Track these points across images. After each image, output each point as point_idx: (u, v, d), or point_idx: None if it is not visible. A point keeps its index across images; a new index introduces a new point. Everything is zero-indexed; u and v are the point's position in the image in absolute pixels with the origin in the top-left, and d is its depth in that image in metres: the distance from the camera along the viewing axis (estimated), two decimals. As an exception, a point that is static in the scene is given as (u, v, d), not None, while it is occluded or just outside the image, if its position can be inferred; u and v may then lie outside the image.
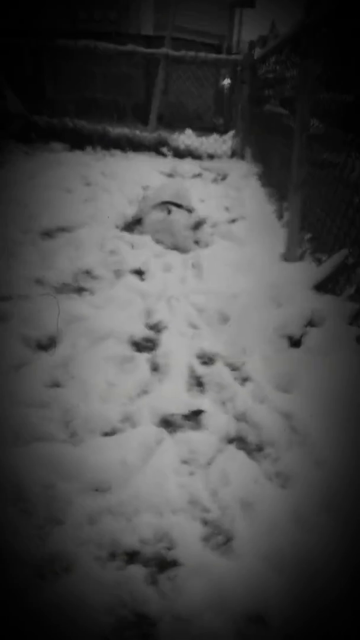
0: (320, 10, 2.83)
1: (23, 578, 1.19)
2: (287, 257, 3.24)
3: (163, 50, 7.25)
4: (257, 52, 7.02)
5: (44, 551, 1.25)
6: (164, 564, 1.26)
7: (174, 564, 1.26)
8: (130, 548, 1.30)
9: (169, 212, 3.52)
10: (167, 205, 3.57)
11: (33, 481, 1.41)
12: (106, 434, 1.69)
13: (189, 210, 3.74)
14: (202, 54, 7.16)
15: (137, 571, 1.22)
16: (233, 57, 7.49)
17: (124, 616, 1.14)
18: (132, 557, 1.28)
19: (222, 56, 7.64)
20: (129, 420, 1.77)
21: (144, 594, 1.17)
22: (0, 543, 1.24)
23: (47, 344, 2.17)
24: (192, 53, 7.14)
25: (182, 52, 7.15)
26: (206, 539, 1.36)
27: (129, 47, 6.95)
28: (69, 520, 1.34)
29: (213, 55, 7.30)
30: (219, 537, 1.36)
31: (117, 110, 8.46)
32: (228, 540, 1.36)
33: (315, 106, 3.03)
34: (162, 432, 1.70)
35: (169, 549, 1.30)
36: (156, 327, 2.42)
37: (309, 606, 1.23)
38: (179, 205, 3.61)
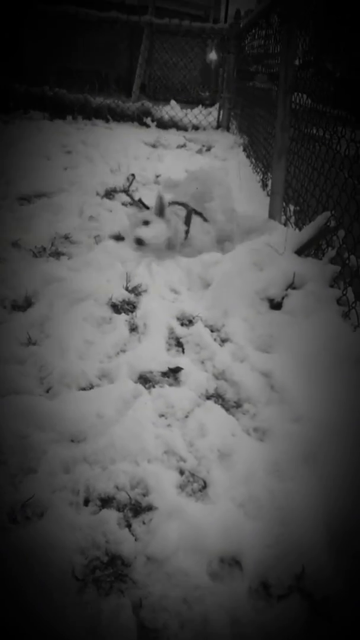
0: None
1: (-5, 522, 1.19)
2: (270, 223, 3.22)
3: (146, 17, 7.08)
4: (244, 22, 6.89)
5: (16, 498, 1.25)
6: (138, 508, 1.27)
7: (148, 508, 1.26)
8: (105, 494, 1.30)
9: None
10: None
11: (7, 432, 1.40)
12: (83, 389, 1.67)
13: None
14: (186, 22, 7.01)
15: (111, 515, 1.22)
16: (219, 25, 7.34)
17: (96, 557, 1.14)
18: (107, 502, 1.28)
19: (208, 25, 7.47)
20: (106, 376, 1.76)
21: (118, 536, 1.18)
22: (-28, 490, 1.23)
23: (23, 305, 2.13)
24: (176, 21, 6.99)
25: (165, 20, 6.99)
26: (182, 486, 1.36)
27: (112, 13, 6.77)
28: (43, 468, 1.33)
29: (198, 24, 7.15)
30: (194, 484, 1.37)
31: (99, 81, 8.26)
32: (203, 487, 1.36)
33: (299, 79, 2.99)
34: (140, 387, 1.70)
35: (144, 495, 1.30)
36: (136, 290, 2.40)
37: (285, 552, 1.24)
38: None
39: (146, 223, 2.71)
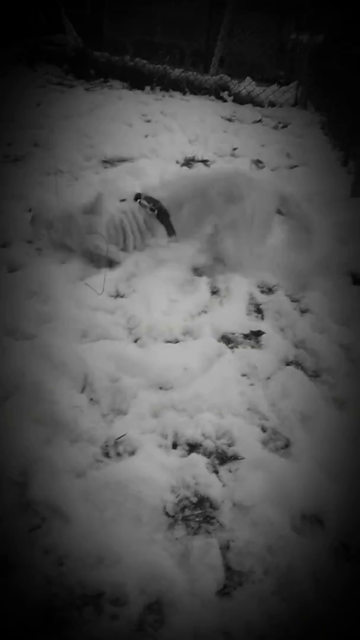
0: None
1: (90, 454, 1.24)
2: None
3: (231, -12, 6.93)
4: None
5: (109, 434, 1.30)
6: (224, 457, 1.29)
7: (234, 458, 1.29)
8: (193, 440, 1.33)
9: None
10: None
11: (100, 373, 1.46)
12: (169, 342, 1.71)
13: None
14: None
15: (199, 460, 1.26)
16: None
17: (186, 497, 1.18)
18: (194, 447, 1.32)
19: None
20: (190, 333, 1.79)
21: (207, 479, 1.21)
22: (70, 423, 1.29)
23: (110, 261, 2.18)
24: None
25: (250, -8, 6.83)
26: (265, 442, 1.38)
27: (197, -17, 6.68)
28: (133, 411, 1.38)
29: None
30: (277, 442, 1.38)
31: (178, 53, 8.19)
32: (286, 445, 1.37)
33: None
34: (223, 346, 1.71)
35: (229, 445, 1.33)
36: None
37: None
38: None
39: None
